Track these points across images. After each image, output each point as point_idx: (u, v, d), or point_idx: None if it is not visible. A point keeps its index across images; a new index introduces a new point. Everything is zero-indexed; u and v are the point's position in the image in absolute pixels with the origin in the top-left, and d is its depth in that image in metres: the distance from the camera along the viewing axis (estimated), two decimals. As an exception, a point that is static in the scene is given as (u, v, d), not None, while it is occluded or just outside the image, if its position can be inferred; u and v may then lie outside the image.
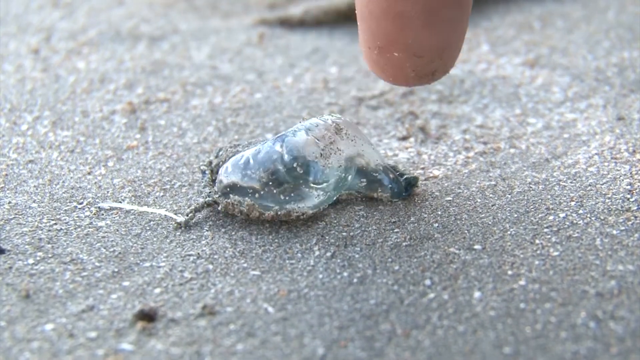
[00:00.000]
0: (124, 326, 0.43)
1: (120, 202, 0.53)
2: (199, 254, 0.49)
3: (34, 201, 0.53)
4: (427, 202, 0.53)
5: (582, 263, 0.47)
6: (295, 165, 0.49)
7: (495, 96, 0.66)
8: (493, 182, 0.55)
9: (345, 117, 0.56)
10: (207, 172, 0.54)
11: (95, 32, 0.77)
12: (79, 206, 0.53)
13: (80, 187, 0.55)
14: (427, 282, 0.46)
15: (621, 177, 0.55)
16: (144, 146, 0.60)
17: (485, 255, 0.48)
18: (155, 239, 0.50)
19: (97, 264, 0.48)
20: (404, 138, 0.61)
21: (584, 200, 0.52)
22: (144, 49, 0.75)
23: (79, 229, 0.51)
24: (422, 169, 0.57)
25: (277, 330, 0.43)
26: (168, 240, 0.50)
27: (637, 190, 0.53)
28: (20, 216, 0.52)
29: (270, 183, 0.49)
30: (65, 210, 0.52)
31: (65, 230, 0.50)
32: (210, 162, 0.54)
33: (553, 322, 0.43)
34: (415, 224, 0.51)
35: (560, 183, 0.55)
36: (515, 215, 0.51)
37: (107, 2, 0.84)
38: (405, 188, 0.53)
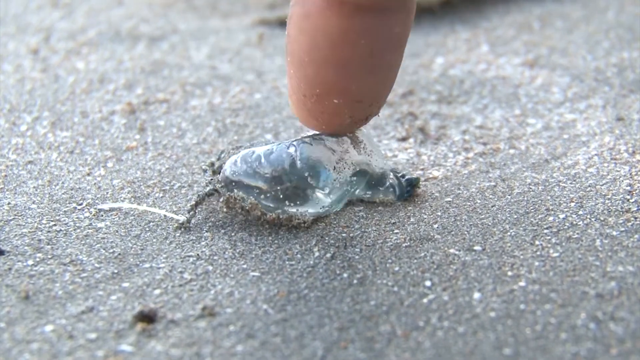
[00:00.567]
0: (124, 327, 0.43)
1: (121, 202, 0.53)
2: (198, 255, 0.48)
3: (33, 202, 0.53)
4: (426, 203, 0.53)
5: (582, 264, 0.47)
6: (306, 173, 0.49)
7: (495, 96, 0.66)
8: (493, 183, 0.55)
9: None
10: (208, 171, 0.54)
11: (94, 33, 0.77)
12: (79, 207, 0.53)
13: (79, 188, 0.55)
14: (427, 283, 0.46)
15: (621, 178, 0.55)
16: (144, 147, 0.60)
17: (485, 256, 0.48)
18: (154, 240, 0.50)
19: (96, 265, 0.48)
20: (404, 139, 0.61)
21: (584, 201, 0.52)
22: (144, 49, 0.74)
23: (78, 230, 0.50)
24: (422, 169, 0.57)
25: (277, 332, 0.43)
26: (168, 242, 0.50)
27: (637, 191, 0.53)
28: (19, 217, 0.52)
29: (277, 185, 0.49)
30: (64, 211, 0.52)
31: (64, 232, 0.50)
32: (212, 164, 0.54)
33: (553, 323, 0.43)
34: (415, 225, 0.51)
35: (560, 184, 0.55)
36: (515, 216, 0.51)
37: (106, 3, 0.84)
38: (407, 189, 0.53)
